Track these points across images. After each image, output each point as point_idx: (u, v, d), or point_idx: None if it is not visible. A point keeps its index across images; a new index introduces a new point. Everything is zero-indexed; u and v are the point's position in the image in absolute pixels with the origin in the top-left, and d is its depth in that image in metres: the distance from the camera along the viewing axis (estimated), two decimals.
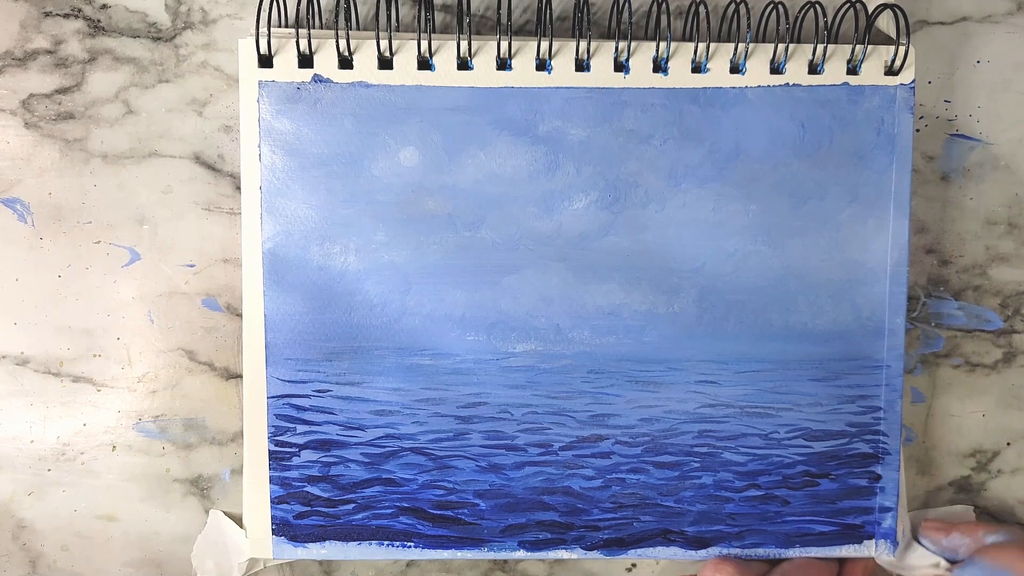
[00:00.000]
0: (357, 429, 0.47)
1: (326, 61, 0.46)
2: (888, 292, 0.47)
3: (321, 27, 0.48)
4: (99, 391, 0.49)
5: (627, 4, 0.45)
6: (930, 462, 0.51)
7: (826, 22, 0.46)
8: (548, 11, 0.45)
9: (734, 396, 0.48)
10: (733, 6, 0.47)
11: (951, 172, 0.50)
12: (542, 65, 0.46)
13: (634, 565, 0.51)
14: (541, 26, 0.45)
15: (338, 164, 0.46)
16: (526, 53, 0.46)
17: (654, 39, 0.47)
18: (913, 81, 0.46)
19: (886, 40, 0.47)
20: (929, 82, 0.50)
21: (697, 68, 0.46)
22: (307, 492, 0.47)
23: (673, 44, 0.46)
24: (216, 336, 0.49)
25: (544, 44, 0.46)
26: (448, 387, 0.47)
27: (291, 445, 0.47)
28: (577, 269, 0.47)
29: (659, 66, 0.46)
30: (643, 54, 0.46)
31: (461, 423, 0.47)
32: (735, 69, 0.46)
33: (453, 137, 0.46)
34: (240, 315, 0.49)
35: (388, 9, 0.45)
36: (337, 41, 0.45)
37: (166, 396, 0.50)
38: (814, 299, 0.47)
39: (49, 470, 0.50)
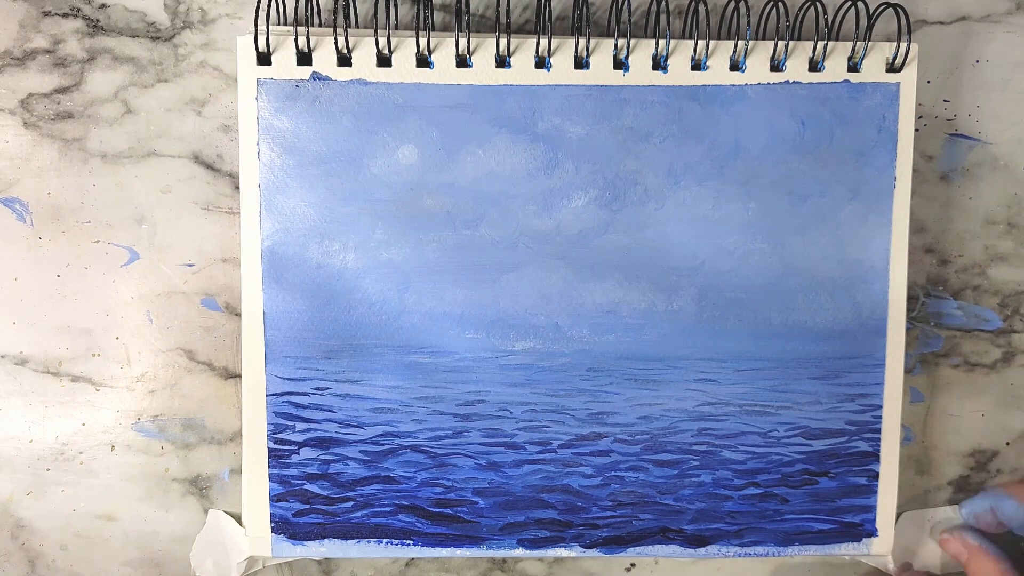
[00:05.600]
0: (356, 427, 0.47)
1: (325, 58, 0.46)
2: (889, 289, 0.47)
3: (320, 25, 0.48)
4: (98, 391, 0.49)
5: (627, 2, 0.45)
6: (929, 462, 0.51)
7: (826, 19, 0.46)
8: (547, 10, 0.45)
9: (733, 394, 0.48)
10: (733, 4, 0.47)
11: (950, 172, 0.50)
12: (541, 63, 0.46)
13: (633, 565, 0.51)
14: (540, 24, 0.45)
15: (337, 162, 0.46)
16: (525, 50, 0.46)
17: (653, 37, 0.47)
18: (915, 78, 0.46)
19: (886, 37, 0.47)
20: (928, 82, 0.50)
21: (697, 65, 0.46)
22: (306, 490, 0.47)
23: (673, 41, 0.46)
24: (215, 336, 0.49)
25: (543, 41, 0.45)
26: (447, 385, 0.47)
27: (290, 443, 0.47)
28: (576, 267, 0.47)
29: (659, 64, 0.46)
30: (642, 51, 0.46)
31: (460, 421, 0.47)
32: (735, 66, 0.46)
33: (452, 135, 0.46)
34: (239, 315, 0.49)
35: (387, 7, 0.45)
36: (336, 38, 0.45)
37: (165, 396, 0.50)
38: (814, 297, 0.47)
39: (48, 470, 0.50)
